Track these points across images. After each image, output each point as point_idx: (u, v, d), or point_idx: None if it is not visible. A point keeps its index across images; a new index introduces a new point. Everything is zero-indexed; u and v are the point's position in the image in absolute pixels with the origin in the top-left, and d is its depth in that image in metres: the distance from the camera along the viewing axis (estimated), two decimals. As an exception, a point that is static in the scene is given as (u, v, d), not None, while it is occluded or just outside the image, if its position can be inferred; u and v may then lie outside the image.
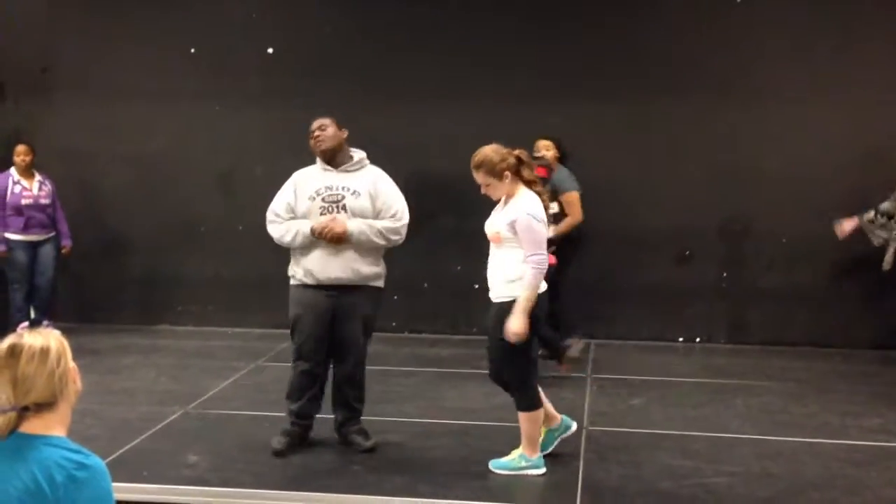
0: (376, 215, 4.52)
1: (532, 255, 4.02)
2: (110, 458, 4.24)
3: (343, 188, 4.51)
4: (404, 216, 4.59)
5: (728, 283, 7.41)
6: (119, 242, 7.91)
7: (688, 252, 7.41)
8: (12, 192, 6.97)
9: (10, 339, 2.19)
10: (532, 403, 4.21)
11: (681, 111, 7.21)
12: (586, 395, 5.73)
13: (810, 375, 6.35)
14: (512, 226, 4.06)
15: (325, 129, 4.59)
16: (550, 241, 5.63)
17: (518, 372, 4.20)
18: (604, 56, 7.30)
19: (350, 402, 4.62)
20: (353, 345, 4.55)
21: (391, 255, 7.55)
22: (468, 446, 4.62)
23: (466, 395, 5.68)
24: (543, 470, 4.23)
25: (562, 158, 6.62)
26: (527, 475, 4.21)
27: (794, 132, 7.16)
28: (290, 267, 4.63)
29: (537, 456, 4.25)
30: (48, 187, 7.16)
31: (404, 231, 4.60)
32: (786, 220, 7.20)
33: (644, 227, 7.35)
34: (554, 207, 5.91)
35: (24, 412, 2.15)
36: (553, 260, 5.83)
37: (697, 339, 7.48)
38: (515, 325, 3.99)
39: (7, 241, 6.94)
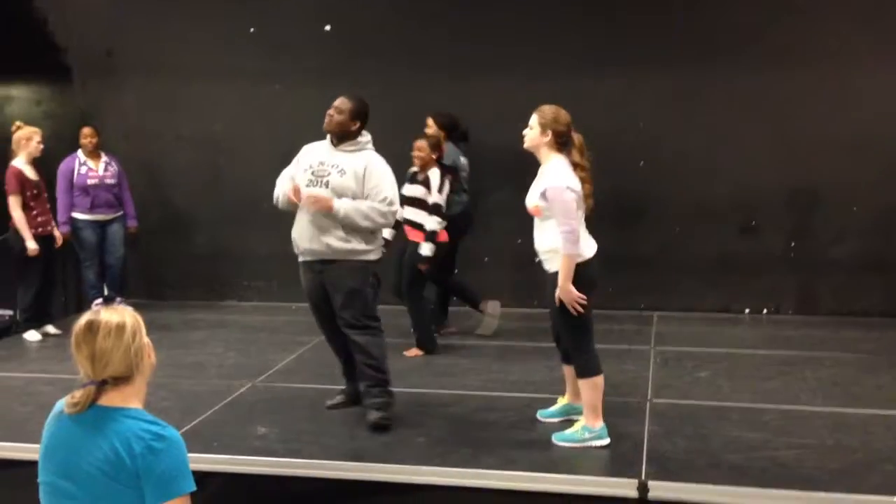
0: (364, 197, 4.52)
1: (562, 224, 4.04)
2: (183, 429, 4.35)
3: (332, 165, 4.56)
4: (394, 203, 4.59)
5: (796, 253, 7.23)
6: (185, 221, 8.09)
7: (753, 222, 7.25)
8: (79, 173, 7.13)
9: (87, 316, 2.27)
10: (590, 369, 4.21)
11: (744, 77, 7.02)
12: (650, 367, 5.68)
13: (882, 346, 6.18)
14: (544, 195, 4.11)
15: (337, 114, 4.60)
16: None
17: (573, 338, 4.23)
18: (662, 23, 7.13)
19: (363, 370, 4.66)
20: (344, 317, 4.59)
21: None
22: (532, 419, 4.62)
23: (529, 368, 5.68)
24: (607, 441, 4.22)
25: (452, 135, 6.57)
26: (591, 447, 4.20)
27: (862, 96, 6.92)
28: None
29: (601, 426, 4.23)
30: (114, 168, 7.32)
31: (392, 217, 4.64)
32: (856, 188, 6.98)
33: (708, 197, 7.22)
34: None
35: (102, 386, 2.22)
36: (445, 237, 6.02)
37: (765, 311, 7.34)
38: (563, 295, 4.06)
39: (75, 220, 7.11)
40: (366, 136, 4.67)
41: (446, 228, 6.12)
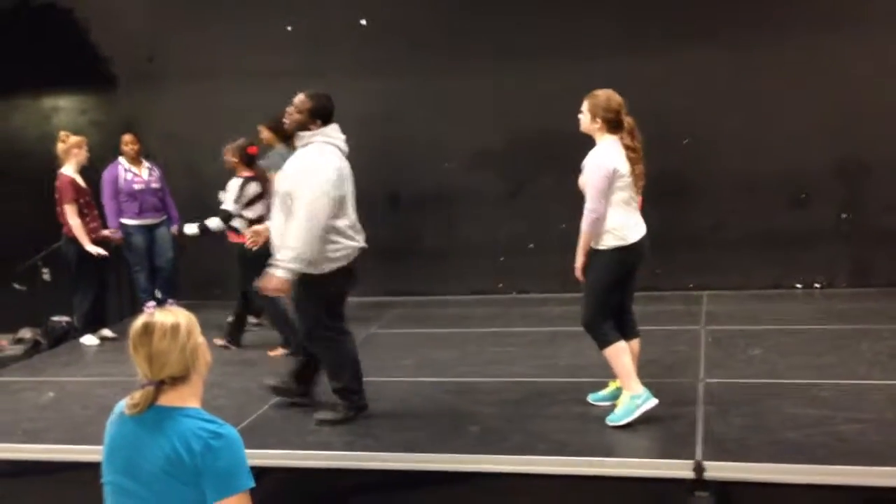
0: None
1: (588, 202, 4.16)
2: (239, 426, 4.41)
3: (284, 169, 4.50)
4: (303, 195, 4.24)
5: (848, 225, 7.08)
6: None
7: (804, 195, 7.11)
8: (125, 180, 7.21)
9: (142, 318, 2.31)
10: (607, 339, 4.27)
11: (789, 47, 6.88)
12: (701, 347, 5.61)
13: (941, 316, 6.03)
14: (582, 170, 4.18)
15: (296, 113, 4.45)
16: (263, 219, 5.86)
17: (588, 310, 4.32)
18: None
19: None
20: (299, 325, 4.64)
21: (494, 216, 7.65)
22: (584, 403, 4.60)
23: (579, 353, 5.63)
24: (656, 401, 4.21)
25: (288, 138, 6.24)
26: (646, 412, 4.17)
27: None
28: None
29: (643, 389, 4.23)
30: (157, 172, 7.44)
31: (320, 218, 4.25)
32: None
33: (756, 171, 7.10)
34: (255, 188, 6.01)
35: (160, 386, 2.27)
36: (243, 239, 5.97)
37: (817, 285, 7.20)
38: (576, 261, 4.29)
39: (124, 226, 7.20)
40: (313, 131, 4.42)
41: None
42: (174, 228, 7.44)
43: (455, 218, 7.79)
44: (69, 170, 6.66)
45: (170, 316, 2.30)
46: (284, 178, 4.42)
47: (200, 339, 2.35)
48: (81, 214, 6.60)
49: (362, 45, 7.66)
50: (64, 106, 8.68)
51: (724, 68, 7.04)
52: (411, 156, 7.67)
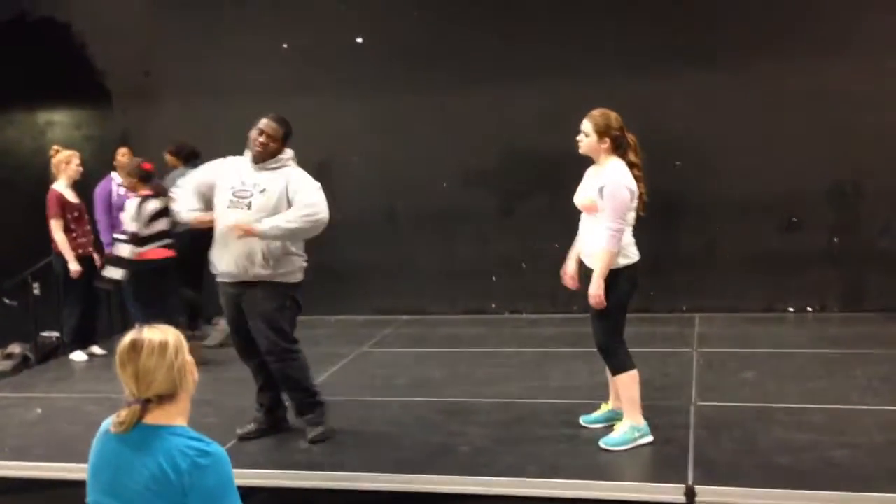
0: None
1: (611, 221, 4.08)
2: (227, 445, 4.39)
3: (254, 185, 4.42)
4: (318, 207, 4.39)
5: (840, 249, 7.10)
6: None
7: (795, 218, 7.14)
8: (117, 194, 7.16)
9: (130, 336, 2.29)
10: (624, 364, 4.22)
11: (784, 71, 6.93)
12: (693, 370, 5.60)
13: (933, 341, 6.04)
14: (601, 191, 4.13)
15: (272, 143, 4.43)
16: (166, 234, 6.15)
17: (605, 336, 4.24)
18: (701, 16, 7.08)
19: (289, 395, 4.64)
20: (260, 343, 4.49)
21: (487, 236, 7.66)
22: (575, 425, 4.58)
23: (571, 374, 5.64)
24: (651, 437, 4.21)
25: (186, 160, 6.96)
26: (637, 447, 4.17)
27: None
28: None
29: (644, 423, 4.23)
30: None
31: (321, 222, 4.41)
32: (899, 180, 6.84)
33: (748, 194, 7.13)
34: (155, 204, 6.15)
35: (147, 404, 2.25)
36: (171, 252, 6.20)
37: (809, 309, 7.21)
38: (592, 288, 4.12)
39: (117, 241, 7.12)
40: (287, 153, 4.50)
41: (175, 247, 6.30)
42: None
43: (448, 236, 7.79)
44: (60, 184, 6.63)
45: (158, 334, 2.29)
46: (297, 192, 4.42)
47: (188, 357, 2.33)
48: (68, 230, 6.54)
49: (358, 63, 7.70)
50: (59, 120, 8.69)
51: (718, 91, 7.08)
52: (406, 174, 7.68)
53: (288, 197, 4.40)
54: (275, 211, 4.37)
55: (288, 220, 4.34)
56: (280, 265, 4.43)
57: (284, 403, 4.79)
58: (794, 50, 6.88)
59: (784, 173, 7.03)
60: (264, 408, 4.73)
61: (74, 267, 6.54)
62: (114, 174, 7.29)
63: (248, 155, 4.53)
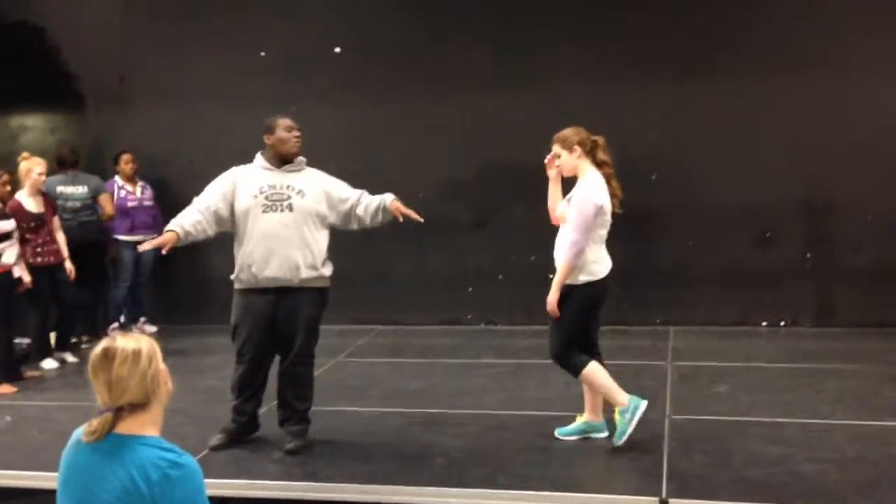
0: (336, 207, 4.53)
1: (572, 233, 4.17)
2: (200, 455, 4.35)
3: (287, 187, 4.46)
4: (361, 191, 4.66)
5: (812, 264, 7.19)
6: (197, 245, 8.04)
7: (768, 233, 7.22)
8: (119, 196, 7.50)
9: (103, 343, 2.26)
10: (579, 366, 4.30)
11: (759, 85, 7.04)
12: (667, 383, 5.64)
13: (903, 357, 6.12)
14: (569, 201, 4.21)
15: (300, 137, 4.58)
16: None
17: (559, 344, 4.35)
18: (669, 32, 7.16)
19: (291, 402, 4.60)
20: (296, 345, 4.50)
21: (462, 247, 7.67)
22: (549, 436, 4.59)
23: (546, 386, 5.64)
24: (645, 401, 4.26)
25: (61, 167, 7.25)
26: (609, 460, 4.18)
27: (877, 103, 6.91)
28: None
29: (628, 398, 4.27)
30: (150, 191, 7.70)
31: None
32: (871, 196, 6.95)
33: (721, 208, 7.21)
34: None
35: (119, 413, 2.22)
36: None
37: (782, 323, 7.29)
38: (549, 296, 4.24)
39: (116, 241, 7.49)
40: (301, 158, 4.62)
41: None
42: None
43: (424, 247, 7.79)
44: (22, 194, 6.50)
45: (131, 341, 2.26)
46: (336, 183, 4.59)
47: (162, 365, 2.30)
48: (24, 240, 6.40)
49: (336, 73, 7.70)
50: (32, 124, 8.60)
51: (694, 105, 7.17)
52: (382, 183, 7.62)
53: (326, 192, 4.51)
54: (316, 211, 4.46)
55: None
56: (325, 267, 4.52)
57: (258, 413, 4.76)
58: (769, 65, 6.97)
59: (758, 188, 7.11)
60: (245, 416, 4.66)
61: (18, 274, 6.32)
62: (117, 178, 7.61)
63: (260, 161, 4.56)
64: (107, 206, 7.28)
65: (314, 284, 4.51)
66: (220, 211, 4.50)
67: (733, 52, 7.03)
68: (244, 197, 4.48)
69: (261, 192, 4.45)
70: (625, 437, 4.24)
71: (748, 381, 5.64)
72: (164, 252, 4.54)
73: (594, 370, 4.29)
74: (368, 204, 4.58)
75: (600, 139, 4.35)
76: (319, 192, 4.52)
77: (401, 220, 4.59)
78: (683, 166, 7.19)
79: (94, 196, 7.23)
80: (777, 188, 7.09)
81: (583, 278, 4.25)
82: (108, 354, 2.23)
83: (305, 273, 4.44)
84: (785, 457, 4.21)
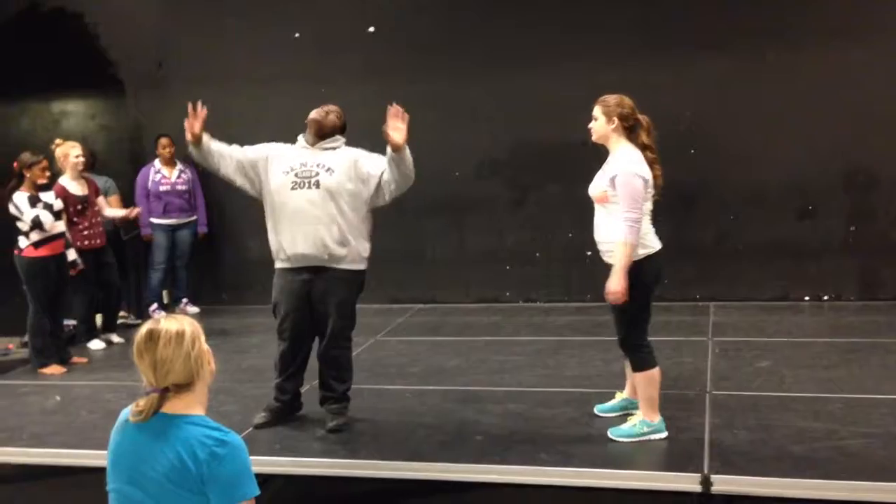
0: (365, 184, 4.48)
1: (627, 211, 3.96)
2: (243, 433, 4.42)
3: (317, 164, 4.46)
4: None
5: (856, 237, 7.06)
6: (237, 226, 8.20)
7: (810, 207, 7.09)
8: (153, 181, 7.66)
9: (147, 325, 2.31)
10: (645, 362, 4.15)
11: (799, 58, 6.89)
12: (708, 358, 5.59)
13: (950, 330, 6.00)
14: (613, 181, 4.01)
15: (327, 114, 4.58)
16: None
17: (627, 331, 4.16)
18: (713, 5, 7.03)
19: (331, 383, 4.63)
20: (330, 327, 4.51)
21: (500, 225, 7.65)
22: (589, 414, 4.58)
23: (585, 363, 5.64)
24: (665, 434, 4.17)
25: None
26: (650, 440, 4.15)
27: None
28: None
29: (658, 420, 4.18)
30: (187, 175, 7.75)
31: (413, 177, 4.55)
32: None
33: (762, 182, 7.10)
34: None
35: (165, 393, 2.27)
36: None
37: (825, 297, 7.17)
38: (612, 283, 3.97)
39: (151, 224, 7.65)
40: (340, 138, 4.64)
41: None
42: (201, 230, 7.90)
43: (462, 226, 7.80)
44: (65, 178, 6.61)
45: (174, 323, 2.30)
46: (369, 157, 4.54)
47: (205, 346, 2.34)
48: (71, 223, 6.52)
49: (370, 53, 7.68)
50: (73, 110, 8.72)
51: (732, 78, 7.04)
52: (418, 163, 7.63)
53: (357, 171, 4.47)
54: (342, 188, 4.43)
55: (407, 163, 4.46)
56: (356, 245, 4.47)
57: (301, 392, 4.82)
58: (808, 36, 6.83)
59: (800, 161, 6.99)
60: (288, 395, 4.73)
61: (71, 257, 6.46)
62: (156, 162, 7.72)
63: (300, 141, 4.60)
64: (114, 206, 7.27)
65: (347, 266, 4.49)
66: (244, 161, 4.59)
67: (773, 23, 6.88)
68: (276, 174, 4.51)
69: (291, 170, 4.49)
70: (624, 439, 4.15)
71: (791, 356, 5.56)
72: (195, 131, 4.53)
73: (653, 376, 4.14)
74: (387, 163, 4.50)
75: (646, 120, 4.12)
76: (350, 168, 4.48)
77: (391, 135, 4.40)
78: (722, 141, 7.08)
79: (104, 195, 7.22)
80: (819, 161, 6.96)
81: (643, 252, 4.03)
82: (152, 336, 2.27)
83: (335, 249, 4.43)
84: (830, 432, 4.16)
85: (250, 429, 4.61)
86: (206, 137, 4.58)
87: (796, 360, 5.48)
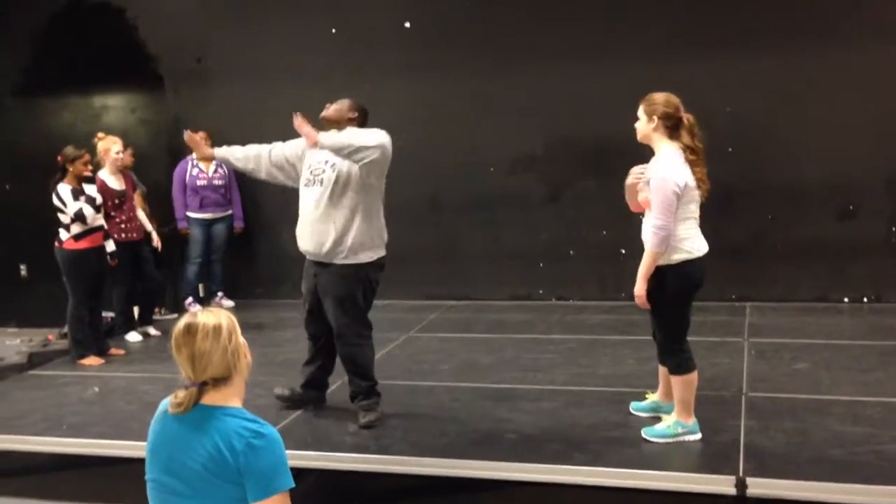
0: (358, 173, 4.45)
1: (656, 218, 3.90)
2: (278, 426, 4.42)
3: (325, 162, 4.49)
4: (369, 140, 4.41)
5: (898, 238, 6.93)
6: (273, 221, 8.24)
7: (851, 206, 6.97)
8: (190, 175, 7.73)
9: (185, 319, 2.34)
10: (683, 367, 4.09)
11: (836, 54, 6.75)
12: (744, 359, 5.52)
13: None
14: (648, 185, 3.97)
15: (331, 104, 4.63)
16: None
17: (666, 335, 4.12)
18: (755, 2, 6.93)
19: (350, 378, 4.67)
20: (333, 324, 4.55)
21: (534, 221, 7.62)
22: (624, 413, 4.56)
23: (619, 362, 5.60)
24: (699, 435, 4.13)
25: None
26: (683, 441, 4.11)
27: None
28: None
29: (693, 421, 4.14)
30: (224, 170, 7.79)
31: (372, 147, 4.38)
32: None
33: (802, 181, 6.99)
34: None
35: (203, 386, 2.29)
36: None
37: (865, 299, 7.05)
38: (636, 288, 3.98)
39: (187, 218, 7.74)
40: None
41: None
42: (237, 225, 7.97)
43: (495, 222, 7.78)
44: (104, 172, 6.70)
45: (212, 317, 2.32)
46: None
47: (242, 339, 2.37)
48: (108, 216, 6.60)
49: (406, 48, 7.69)
50: (113, 104, 8.84)
51: (771, 75, 6.93)
52: (453, 159, 7.67)
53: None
54: (342, 184, 4.42)
55: (347, 134, 4.44)
56: (357, 237, 4.45)
57: (327, 383, 4.86)
58: (847, 32, 6.70)
59: (839, 159, 6.87)
60: (303, 380, 4.85)
61: (110, 248, 6.51)
62: (192, 156, 7.60)
63: None
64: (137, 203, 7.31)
65: (345, 261, 4.48)
66: (282, 156, 4.72)
67: (812, 19, 6.77)
68: (304, 171, 4.64)
69: (309, 168, 4.59)
70: (658, 439, 4.11)
71: (829, 358, 5.48)
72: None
73: (690, 380, 4.10)
74: None
75: (689, 119, 3.98)
76: (350, 164, 4.44)
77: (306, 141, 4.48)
78: (760, 139, 6.98)
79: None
80: (859, 161, 6.84)
81: (677, 257, 3.97)
82: (190, 330, 2.30)
83: (328, 248, 4.46)
84: (869, 436, 4.09)
85: (284, 422, 4.65)
86: (220, 151, 4.81)
87: (834, 362, 5.40)
